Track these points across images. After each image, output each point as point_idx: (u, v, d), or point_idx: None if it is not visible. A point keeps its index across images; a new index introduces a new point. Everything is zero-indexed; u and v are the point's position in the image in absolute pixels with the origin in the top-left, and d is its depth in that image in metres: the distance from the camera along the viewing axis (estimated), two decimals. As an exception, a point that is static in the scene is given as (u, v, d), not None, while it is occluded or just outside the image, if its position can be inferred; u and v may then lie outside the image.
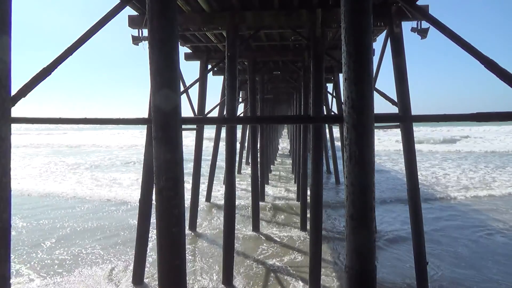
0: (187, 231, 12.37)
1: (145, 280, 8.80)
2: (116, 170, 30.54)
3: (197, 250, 11.21)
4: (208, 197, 17.33)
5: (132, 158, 40.11)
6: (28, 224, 13.97)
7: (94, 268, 9.72)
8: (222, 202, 14.67)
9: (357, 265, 3.75)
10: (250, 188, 15.05)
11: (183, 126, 4.53)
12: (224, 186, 10.47)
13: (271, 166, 29.32)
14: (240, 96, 24.28)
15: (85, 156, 43.45)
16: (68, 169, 31.31)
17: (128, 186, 22.56)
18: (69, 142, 66.85)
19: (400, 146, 8.19)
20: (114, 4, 5.15)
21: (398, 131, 8.31)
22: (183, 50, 12.60)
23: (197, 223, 13.39)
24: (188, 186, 11.40)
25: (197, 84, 12.22)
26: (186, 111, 19.33)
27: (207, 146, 23.35)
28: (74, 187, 22.19)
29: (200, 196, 14.09)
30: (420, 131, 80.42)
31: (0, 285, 4.13)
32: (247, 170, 27.10)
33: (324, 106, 17.00)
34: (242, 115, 19.28)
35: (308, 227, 11.65)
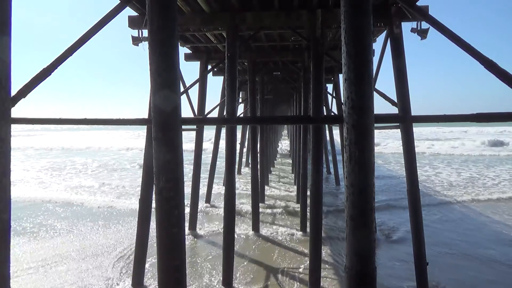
0: (186, 231, 12.35)
1: (145, 281, 8.79)
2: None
3: (197, 251, 11.20)
4: (208, 198, 17.24)
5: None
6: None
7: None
8: (221, 203, 14.63)
9: (357, 265, 3.75)
10: (249, 188, 15.03)
11: (183, 127, 4.52)
12: (224, 187, 10.45)
13: (271, 167, 29.30)
14: (240, 96, 24.28)
15: (94, 158, 43.34)
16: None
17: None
18: (62, 144, 65.41)
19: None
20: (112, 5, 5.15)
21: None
22: (183, 50, 12.60)
23: (197, 224, 13.36)
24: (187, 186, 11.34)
25: (197, 84, 12.21)
26: (186, 112, 19.32)
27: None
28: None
29: (199, 198, 14.05)
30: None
31: (0, 285, 4.13)
32: (247, 170, 27.10)
33: (324, 107, 16.98)
34: (242, 115, 19.27)
35: (308, 228, 11.62)
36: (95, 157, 43.39)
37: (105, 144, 62.46)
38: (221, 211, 15.10)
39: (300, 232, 12.81)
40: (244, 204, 16.93)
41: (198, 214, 13.67)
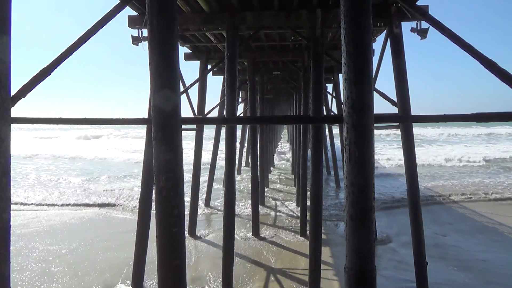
0: (186, 235, 12.14)
1: (145, 281, 8.77)
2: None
3: (197, 255, 11.09)
4: (208, 201, 17.03)
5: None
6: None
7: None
8: (221, 205, 14.52)
9: (357, 265, 3.75)
10: (249, 189, 14.92)
11: (183, 126, 4.52)
12: (224, 188, 10.41)
13: (271, 167, 29.24)
14: (240, 96, 24.27)
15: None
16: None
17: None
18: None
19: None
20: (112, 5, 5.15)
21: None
22: (183, 50, 12.60)
23: (197, 228, 13.15)
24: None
25: (197, 84, 12.21)
26: (186, 111, 19.30)
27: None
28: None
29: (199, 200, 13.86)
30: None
31: (0, 284, 4.13)
32: (246, 169, 27.03)
33: (324, 106, 16.99)
34: (242, 115, 19.25)
35: (307, 231, 11.56)
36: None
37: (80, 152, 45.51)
38: (220, 215, 15.02)
39: (300, 235, 12.73)
40: (243, 206, 16.84)
41: (198, 218, 13.39)
